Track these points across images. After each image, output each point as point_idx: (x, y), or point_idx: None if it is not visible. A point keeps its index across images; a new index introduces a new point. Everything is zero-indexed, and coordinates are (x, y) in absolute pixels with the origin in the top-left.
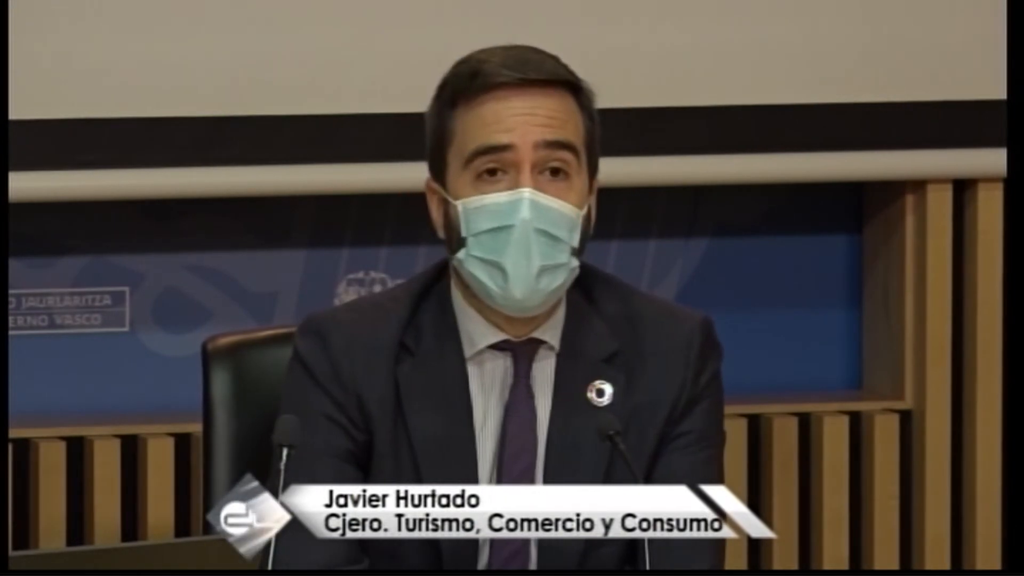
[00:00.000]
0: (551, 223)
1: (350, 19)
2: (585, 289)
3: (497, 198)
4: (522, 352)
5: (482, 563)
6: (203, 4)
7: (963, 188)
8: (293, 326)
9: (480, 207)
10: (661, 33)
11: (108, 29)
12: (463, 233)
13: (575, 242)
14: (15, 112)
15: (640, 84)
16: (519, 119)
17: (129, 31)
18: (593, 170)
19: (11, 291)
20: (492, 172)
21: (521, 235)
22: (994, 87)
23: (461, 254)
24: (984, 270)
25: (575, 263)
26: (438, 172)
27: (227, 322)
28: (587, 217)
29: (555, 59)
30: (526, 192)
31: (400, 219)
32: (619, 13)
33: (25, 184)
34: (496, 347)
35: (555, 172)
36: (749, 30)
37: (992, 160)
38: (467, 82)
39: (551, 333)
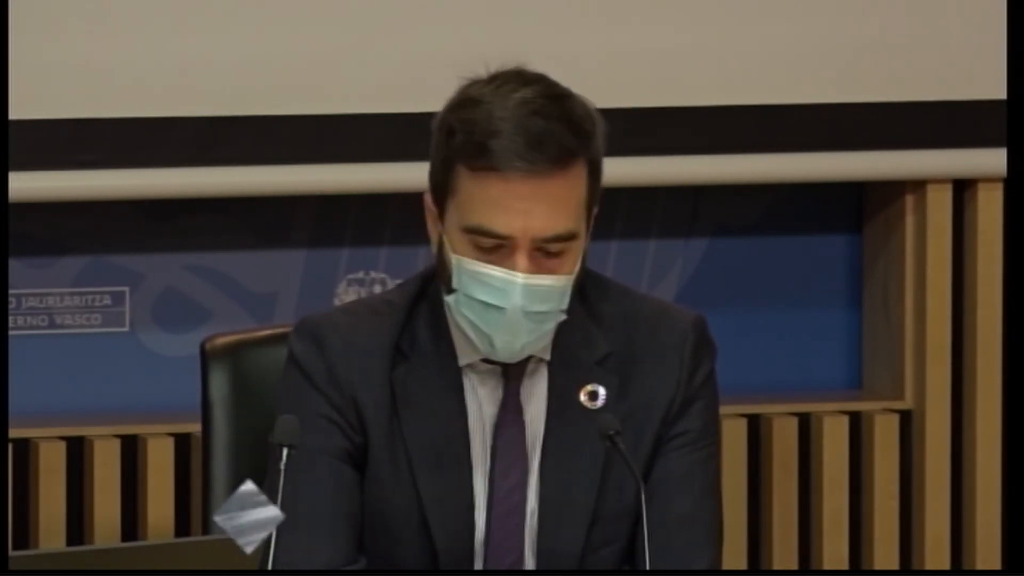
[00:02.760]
0: (541, 301)
1: (350, 19)
2: (579, 290)
3: (490, 272)
4: (513, 367)
5: (478, 567)
6: (203, 4)
7: (963, 188)
8: (293, 326)
9: (474, 274)
10: (661, 33)
11: (108, 29)
12: (455, 285)
13: (565, 304)
14: (15, 112)
15: (640, 84)
16: (522, 207)
17: (129, 31)
18: (591, 210)
19: (11, 291)
20: (489, 245)
21: (512, 319)
22: (994, 87)
23: (451, 299)
24: (984, 270)
25: (562, 316)
26: (438, 205)
27: (227, 322)
28: (583, 257)
29: (569, 117)
30: (519, 279)
31: (400, 219)
32: (619, 13)
33: (25, 184)
34: (487, 360)
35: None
36: (749, 30)
37: (992, 160)
38: (474, 152)
39: (542, 347)
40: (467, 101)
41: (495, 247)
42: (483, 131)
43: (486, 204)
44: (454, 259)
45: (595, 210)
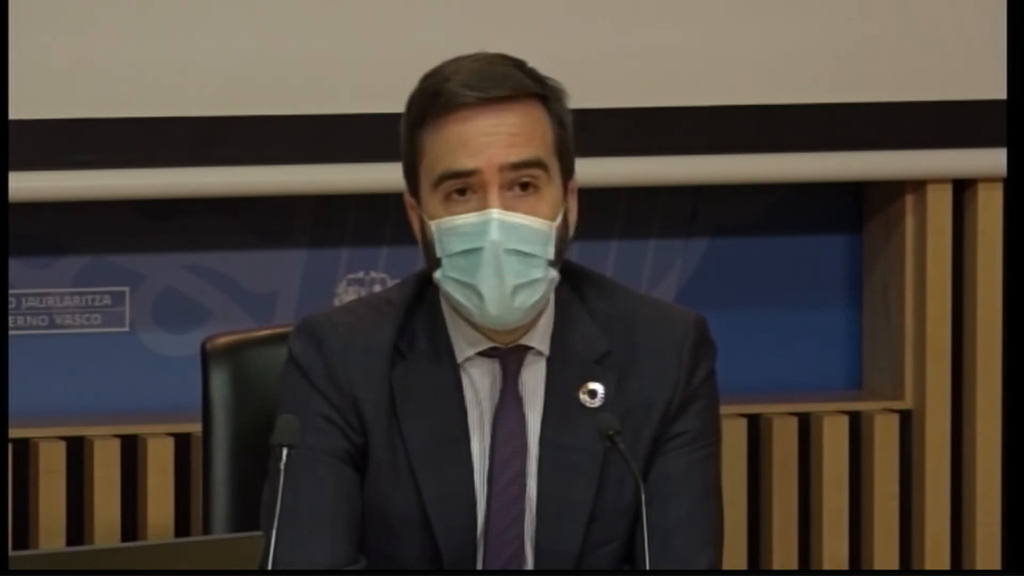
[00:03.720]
0: (521, 241)
1: (350, 19)
2: (577, 289)
3: (466, 219)
4: (510, 359)
5: (480, 559)
6: (203, 4)
7: (963, 188)
8: (293, 326)
9: (451, 228)
10: (661, 33)
11: (108, 29)
12: (438, 253)
13: (550, 254)
14: (15, 112)
15: (640, 84)
16: (483, 140)
17: (129, 31)
18: (567, 173)
19: (11, 291)
20: (461, 192)
21: (491, 256)
22: (994, 87)
23: (438, 273)
24: (984, 270)
25: (552, 274)
26: (413, 189)
27: (227, 322)
28: (563, 224)
29: (521, 67)
30: (494, 213)
31: (400, 219)
32: (619, 13)
33: (25, 184)
34: (485, 354)
35: (524, 186)
36: (749, 30)
37: (992, 160)
38: (429, 101)
39: (539, 338)
40: (423, 78)
41: (467, 192)
42: (435, 84)
43: (448, 148)
44: (434, 228)
45: (574, 181)
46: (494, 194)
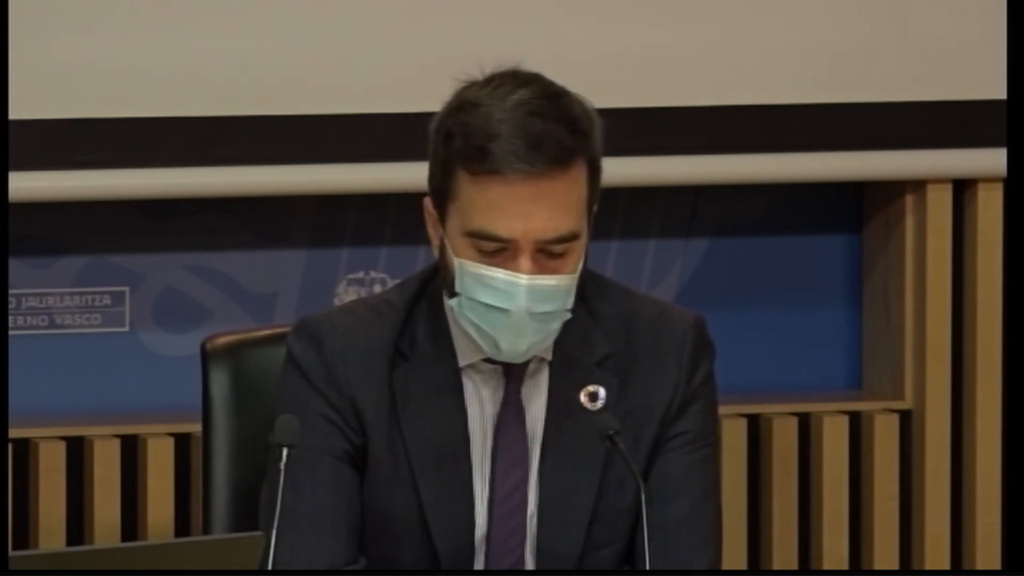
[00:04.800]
0: (546, 301)
1: (350, 19)
2: (579, 291)
3: (495, 276)
4: (514, 367)
5: (479, 566)
6: (203, 4)
7: (963, 188)
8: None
9: (477, 277)
10: (661, 33)
11: (108, 29)
12: (457, 288)
13: (570, 303)
14: (15, 112)
15: (640, 84)
16: (524, 210)
17: (129, 31)
18: (592, 209)
19: (11, 291)
20: (491, 248)
21: (517, 320)
22: (994, 87)
23: (455, 302)
24: (984, 270)
25: (567, 315)
26: (439, 209)
27: (227, 322)
28: (584, 258)
29: (567, 122)
30: (523, 280)
31: (400, 219)
32: (619, 13)
33: (25, 184)
34: (488, 360)
35: (556, 253)
36: (749, 30)
37: (992, 160)
38: (474, 155)
39: (546, 347)
40: (464, 104)
41: (498, 250)
42: (482, 134)
43: (487, 208)
44: (457, 263)
45: (595, 208)
46: (526, 261)
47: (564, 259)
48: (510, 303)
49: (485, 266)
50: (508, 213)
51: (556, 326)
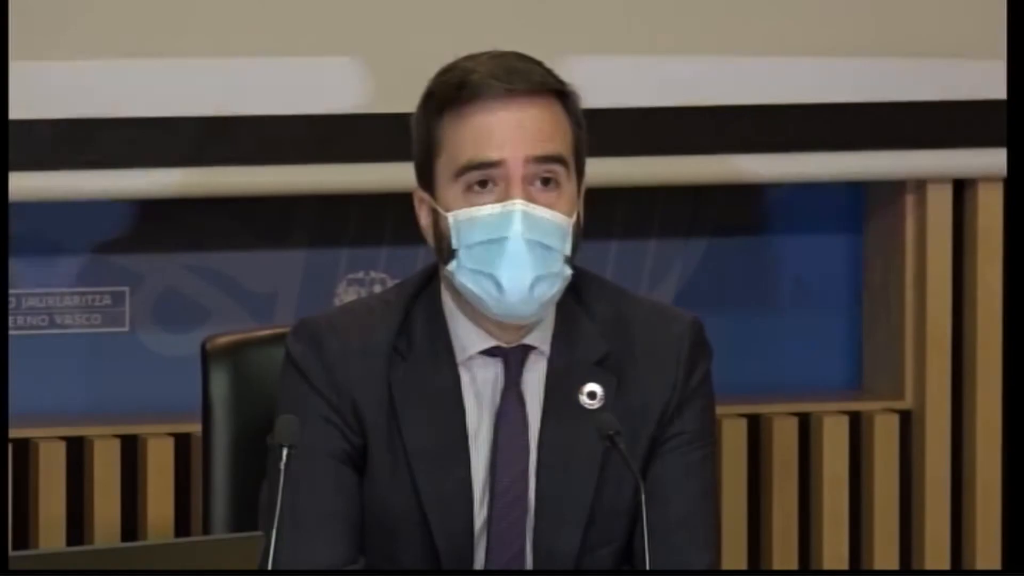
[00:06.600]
0: (543, 233)
1: (350, 20)
2: (575, 291)
3: (489, 211)
4: (513, 358)
5: (480, 559)
6: (203, 4)
7: (963, 188)
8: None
9: (471, 219)
10: (661, 33)
11: (108, 29)
12: (454, 245)
13: (567, 250)
14: (15, 112)
15: (640, 84)
16: (509, 132)
17: (129, 31)
18: (580, 175)
19: (11, 291)
20: (483, 183)
21: (515, 247)
22: (994, 87)
23: (452, 265)
24: (984, 270)
25: (568, 271)
26: (426, 182)
27: (227, 322)
28: (577, 223)
29: (541, 66)
30: (518, 204)
31: (400, 219)
32: (619, 13)
33: (25, 184)
34: (487, 352)
35: (545, 182)
36: (748, 30)
37: (992, 160)
38: (454, 92)
39: (541, 338)
40: (441, 72)
41: (488, 183)
42: (459, 75)
43: (472, 138)
44: (451, 219)
45: (584, 185)
46: (518, 186)
47: (556, 194)
48: (506, 230)
49: (478, 207)
50: (493, 136)
51: (558, 277)
